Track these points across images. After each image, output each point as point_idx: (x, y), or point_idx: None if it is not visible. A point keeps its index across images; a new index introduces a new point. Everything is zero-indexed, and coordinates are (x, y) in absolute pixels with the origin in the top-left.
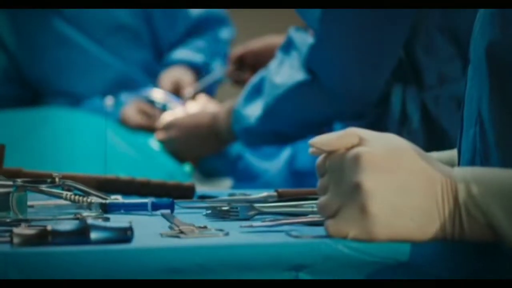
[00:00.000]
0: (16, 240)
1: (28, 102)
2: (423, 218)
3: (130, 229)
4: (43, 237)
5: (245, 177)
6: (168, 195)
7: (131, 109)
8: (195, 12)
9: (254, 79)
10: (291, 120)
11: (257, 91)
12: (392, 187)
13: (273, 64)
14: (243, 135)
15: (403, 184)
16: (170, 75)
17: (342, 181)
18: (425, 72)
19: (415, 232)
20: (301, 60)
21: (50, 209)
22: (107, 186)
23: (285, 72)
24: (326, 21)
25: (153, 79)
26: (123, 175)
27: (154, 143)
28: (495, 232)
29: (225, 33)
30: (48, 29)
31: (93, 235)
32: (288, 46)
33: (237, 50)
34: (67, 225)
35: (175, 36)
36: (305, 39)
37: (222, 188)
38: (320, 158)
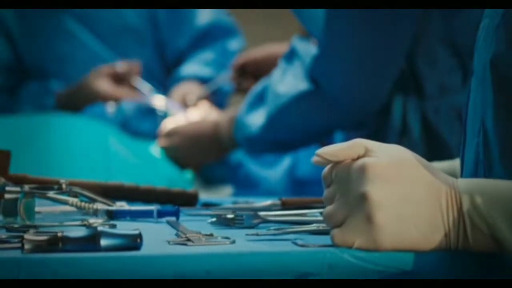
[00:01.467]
0: (27, 246)
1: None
2: (427, 228)
3: (139, 236)
4: (54, 243)
5: (246, 185)
6: (171, 202)
7: (100, 80)
8: (203, 21)
9: (256, 88)
10: (293, 129)
11: (259, 100)
12: (397, 197)
13: (276, 73)
14: (245, 143)
15: (408, 194)
16: (179, 90)
17: (348, 191)
18: (426, 82)
19: (419, 241)
20: (304, 69)
21: (57, 215)
22: (111, 192)
23: (288, 82)
24: (329, 32)
25: (153, 82)
26: (125, 182)
27: (155, 149)
28: (498, 243)
29: (234, 44)
30: (55, 22)
31: (103, 242)
32: (291, 56)
33: (239, 58)
34: (77, 232)
35: (182, 43)
36: (308, 49)
37: (223, 196)
38: (326, 169)
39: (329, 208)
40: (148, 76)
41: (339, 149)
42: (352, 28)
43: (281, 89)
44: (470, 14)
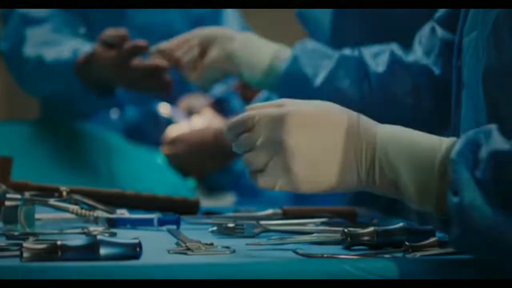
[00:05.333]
0: (26, 254)
1: None
2: (342, 173)
3: (139, 245)
4: (53, 252)
5: (248, 193)
6: (173, 210)
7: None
8: None
9: (261, 95)
10: None
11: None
12: (315, 144)
13: None
14: None
15: (327, 141)
16: (186, 101)
17: (269, 138)
18: None
19: (334, 185)
20: None
21: (57, 223)
22: (113, 200)
23: None
24: (335, 41)
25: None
26: (128, 189)
27: (159, 157)
28: (397, 189)
29: None
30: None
31: (103, 251)
32: None
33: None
34: (76, 240)
35: None
36: None
37: (225, 203)
38: (247, 113)
39: (251, 153)
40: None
41: (266, 104)
42: (357, 38)
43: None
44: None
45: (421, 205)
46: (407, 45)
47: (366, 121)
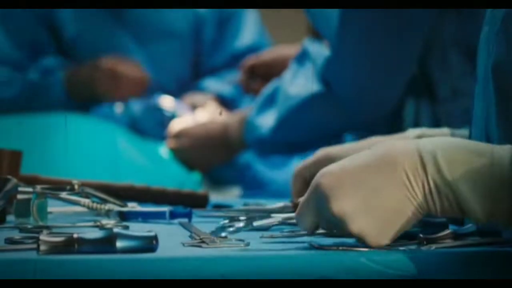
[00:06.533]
0: (43, 247)
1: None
2: (399, 215)
3: (155, 238)
4: (70, 244)
5: (254, 186)
6: (182, 203)
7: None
8: (243, 43)
9: (267, 89)
10: (304, 130)
11: (270, 101)
12: (360, 201)
13: (287, 75)
14: (255, 144)
15: (371, 191)
16: (190, 98)
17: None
18: (439, 86)
19: (398, 232)
20: (315, 71)
21: (69, 216)
22: (122, 193)
23: (299, 83)
24: (342, 34)
25: (183, 92)
26: (133, 182)
27: (164, 151)
28: (461, 209)
29: None
30: (100, 22)
31: (119, 243)
32: (303, 57)
33: (249, 60)
34: (93, 233)
35: (218, 61)
36: (319, 51)
37: (231, 197)
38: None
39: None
40: (178, 85)
41: None
42: (365, 31)
43: (292, 91)
44: (483, 17)
45: (491, 221)
46: (413, 37)
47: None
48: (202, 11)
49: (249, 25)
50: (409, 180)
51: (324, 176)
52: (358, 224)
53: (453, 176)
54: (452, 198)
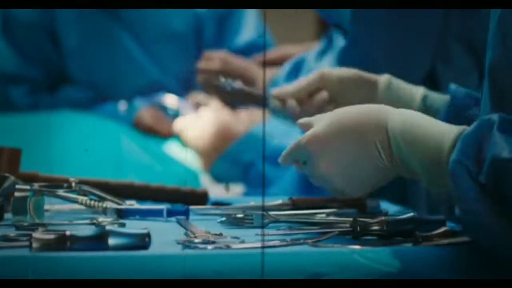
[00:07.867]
0: (35, 244)
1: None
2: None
3: (148, 235)
4: (62, 242)
5: (257, 184)
6: (181, 201)
7: (145, 113)
8: (243, 40)
9: (296, 58)
10: None
11: (296, 70)
12: (344, 167)
13: (315, 51)
14: None
15: (352, 160)
16: (194, 97)
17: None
18: (442, 81)
19: (372, 187)
20: (333, 60)
21: (66, 214)
22: (121, 191)
23: (322, 66)
24: (357, 23)
25: (186, 91)
26: (136, 180)
27: (167, 148)
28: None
29: None
30: (99, 24)
31: (111, 241)
32: (331, 39)
33: (254, 59)
34: (85, 231)
35: None
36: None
37: (235, 195)
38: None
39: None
40: (180, 85)
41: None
42: (379, 21)
43: (315, 69)
44: (487, 14)
45: (436, 188)
46: (425, 29)
47: (379, 111)
48: (201, 10)
49: (249, 22)
50: (379, 154)
51: (310, 141)
52: (341, 184)
53: (409, 154)
54: (409, 169)
